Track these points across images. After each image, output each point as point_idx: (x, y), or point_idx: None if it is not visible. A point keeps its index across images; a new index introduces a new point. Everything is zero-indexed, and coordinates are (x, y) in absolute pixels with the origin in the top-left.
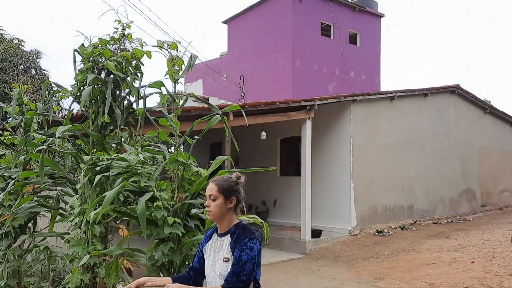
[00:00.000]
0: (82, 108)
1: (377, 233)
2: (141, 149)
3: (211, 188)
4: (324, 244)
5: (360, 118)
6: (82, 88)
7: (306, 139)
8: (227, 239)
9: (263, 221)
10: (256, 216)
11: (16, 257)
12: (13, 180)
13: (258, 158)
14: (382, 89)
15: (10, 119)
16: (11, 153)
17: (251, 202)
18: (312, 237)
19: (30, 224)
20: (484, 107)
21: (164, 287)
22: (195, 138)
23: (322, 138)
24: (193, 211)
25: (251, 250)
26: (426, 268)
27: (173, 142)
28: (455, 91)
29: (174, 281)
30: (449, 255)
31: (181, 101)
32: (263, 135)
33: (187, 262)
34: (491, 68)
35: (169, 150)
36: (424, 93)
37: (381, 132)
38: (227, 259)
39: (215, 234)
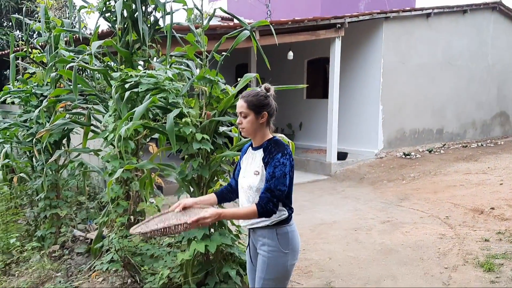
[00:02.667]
0: (111, 24)
1: (404, 156)
2: (169, 67)
3: (241, 105)
4: (349, 166)
5: (393, 38)
6: (108, 2)
7: (334, 59)
8: (260, 153)
9: (290, 141)
10: (283, 135)
11: (53, 171)
12: (46, 98)
13: (284, 80)
14: (418, 6)
15: (36, 37)
16: (41, 71)
17: (277, 125)
18: (338, 159)
19: (64, 141)
20: None
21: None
22: (223, 55)
23: (351, 59)
24: (221, 129)
25: (284, 165)
26: (452, 190)
27: (200, 61)
28: (497, 7)
29: (218, 196)
30: (477, 177)
31: (207, 18)
32: (290, 55)
33: (216, 178)
34: None
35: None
36: (462, 10)
37: (414, 53)
38: (257, 173)
39: (250, 147)
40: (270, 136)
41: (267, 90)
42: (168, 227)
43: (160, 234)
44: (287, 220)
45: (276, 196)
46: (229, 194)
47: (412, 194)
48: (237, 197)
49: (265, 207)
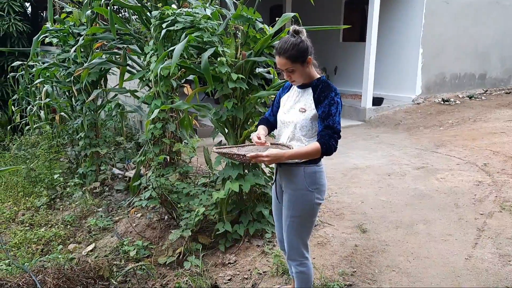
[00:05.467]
0: None
1: (442, 102)
2: (209, 4)
3: (284, 62)
4: (384, 112)
5: None
6: None
7: None
8: (309, 91)
9: None
10: None
11: (92, 111)
12: (82, 36)
13: (319, 21)
14: None
15: None
16: (78, 10)
17: None
18: (373, 104)
19: (101, 83)
20: None
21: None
22: None
23: None
24: (257, 70)
25: (338, 104)
26: (492, 137)
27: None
28: None
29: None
30: None
31: None
32: None
33: (250, 120)
34: None
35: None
36: None
37: None
38: (303, 110)
39: (294, 86)
40: (318, 75)
41: (297, 33)
42: (232, 154)
43: (229, 158)
44: (316, 160)
45: (336, 132)
46: (268, 126)
47: (449, 140)
48: (272, 130)
49: (327, 143)
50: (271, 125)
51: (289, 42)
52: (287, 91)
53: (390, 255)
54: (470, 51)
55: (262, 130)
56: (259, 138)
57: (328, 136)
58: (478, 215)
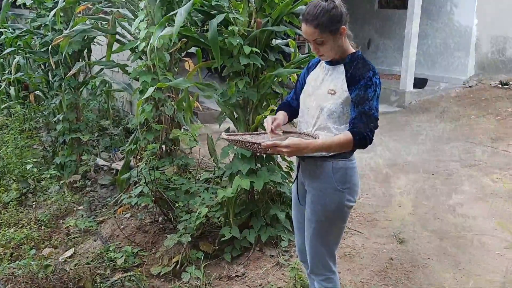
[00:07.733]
0: None
1: (500, 86)
2: None
3: (311, 32)
4: (428, 96)
5: None
6: None
7: None
8: (340, 69)
9: None
10: None
11: (73, 89)
12: None
13: None
14: None
15: None
16: None
17: None
18: (414, 87)
19: (84, 54)
20: None
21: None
22: None
23: None
24: (275, 42)
25: (376, 85)
26: None
27: None
28: None
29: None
30: None
31: None
32: None
33: (265, 103)
34: None
35: None
36: None
37: None
38: (333, 92)
39: (322, 62)
40: (352, 50)
41: None
42: (244, 142)
43: (240, 146)
44: (348, 154)
45: (373, 120)
46: (289, 112)
47: (508, 133)
48: (294, 117)
49: (362, 134)
50: (293, 111)
51: (319, 7)
52: (314, 69)
53: (432, 271)
54: None
55: (281, 115)
56: (277, 124)
57: (363, 125)
58: None
